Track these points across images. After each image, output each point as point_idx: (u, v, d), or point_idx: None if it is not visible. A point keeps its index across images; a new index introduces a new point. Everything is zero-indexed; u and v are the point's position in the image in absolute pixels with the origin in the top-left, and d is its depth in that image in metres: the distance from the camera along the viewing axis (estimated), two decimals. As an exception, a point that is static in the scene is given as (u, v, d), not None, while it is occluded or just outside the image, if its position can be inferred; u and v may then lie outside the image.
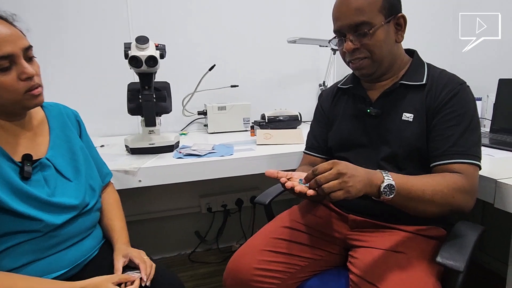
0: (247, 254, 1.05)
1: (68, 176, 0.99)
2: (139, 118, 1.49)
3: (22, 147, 0.93)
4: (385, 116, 1.05)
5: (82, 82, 1.91)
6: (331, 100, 1.21)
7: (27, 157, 0.90)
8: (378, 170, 0.85)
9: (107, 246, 1.06)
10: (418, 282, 0.85)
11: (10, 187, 0.84)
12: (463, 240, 0.89)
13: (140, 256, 0.98)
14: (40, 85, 0.92)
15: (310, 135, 1.27)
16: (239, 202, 2.15)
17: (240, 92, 2.08)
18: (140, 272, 0.94)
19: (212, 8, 2.04)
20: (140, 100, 1.40)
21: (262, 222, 1.24)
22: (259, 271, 1.00)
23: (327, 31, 1.11)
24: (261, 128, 1.87)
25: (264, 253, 1.03)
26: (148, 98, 1.36)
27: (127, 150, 1.52)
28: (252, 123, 2.01)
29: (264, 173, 0.90)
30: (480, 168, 0.94)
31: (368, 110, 1.07)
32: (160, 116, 1.57)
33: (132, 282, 0.91)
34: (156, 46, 1.36)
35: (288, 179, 0.89)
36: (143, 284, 0.92)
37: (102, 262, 1.00)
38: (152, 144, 1.48)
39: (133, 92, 1.47)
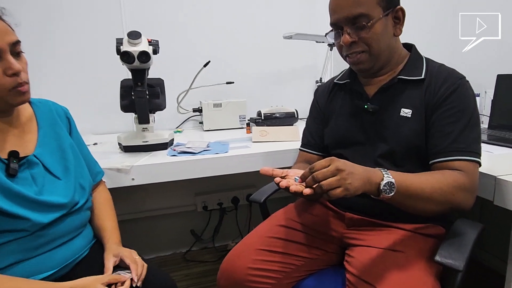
0: (241, 253, 1.02)
1: (57, 174, 0.96)
2: (132, 116, 1.46)
3: (9, 144, 0.90)
4: (383, 112, 1.02)
5: (75, 79, 1.89)
6: (327, 96, 1.19)
7: (13, 154, 0.88)
8: (377, 168, 0.82)
9: (98, 246, 1.03)
10: (416, 281, 0.83)
11: (-5, 184, 0.81)
12: (462, 238, 0.87)
13: (131, 256, 0.95)
14: (27, 82, 0.89)
15: (306, 131, 1.25)
16: (235, 200, 2.13)
17: (235, 89, 2.06)
18: (131, 273, 0.91)
19: (207, 3, 2.01)
20: (133, 97, 1.37)
21: (259, 220, 1.22)
22: (254, 270, 0.98)
23: (324, 26, 1.09)
24: (257, 125, 1.85)
25: (259, 252, 1.01)
26: (140, 94, 1.33)
27: (120, 148, 1.49)
28: (248, 120, 1.98)
29: (260, 172, 0.87)
30: (480, 165, 0.92)
31: (365, 106, 1.05)
32: (154, 113, 1.55)
33: (123, 283, 0.88)
34: (149, 42, 1.34)
35: (283, 177, 0.87)
36: (134, 285, 0.89)
37: (92, 262, 0.97)
38: (146, 141, 1.46)
39: (125, 88, 1.44)
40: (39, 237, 0.87)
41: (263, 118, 1.93)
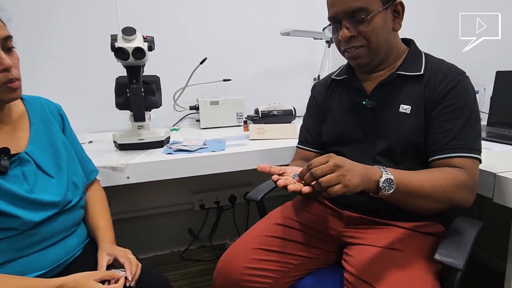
0: (237, 253, 1.01)
1: (49, 172, 0.94)
2: (128, 113, 1.45)
3: (0, 141, 0.88)
4: (381, 109, 1.01)
5: (71, 77, 1.87)
6: (325, 92, 1.17)
7: (4, 151, 0.86)
8: (375, 166, 0.81)
9: (92, 245, 1.01)
10: (416, 281, 0.81)
11: (-16, 182, 0.80)
12: (462, 236, 0.86)
13: (125, 255, 0.94)
14: (18, 79, 0.88)
15: (303, 128, 1.23)
16: (232, 198, 2.12)
17: (233, 86, 2.05)
18: (125, 271, 0.89)
19: (205, 0, 1.99)
20: (128, 94, 1.35)
21: (257, 218, 1.20)
22: (251, 270, 0.96)
23: (321, 23, 1.07)
24: (254, 123, 1.84)
25: (256, 251, 0.99)
26: (136, 92, 1.31)
27: (115, 146, 1.47)
28: (246, 118, 1.97)
29: (257, 169, 0.85)
30: (480, 162, 0.90)
31: (364, 102, 1.03)
32: (149, 110, 1.53)
33: (117, 281, 0.86)
34: (145, 38, 1.32)
35: (281, 174, 0.85)
36: (127, 284, 0.87)
37: (86, 262, 0.95)
38: (141, 139, 1.44)
39: (120, 86, 1.42)
40: (30, 236, 0.86)
41: (260, 115, 1.91)
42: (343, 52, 1.02)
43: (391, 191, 0.77)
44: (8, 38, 0.85)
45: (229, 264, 0.99)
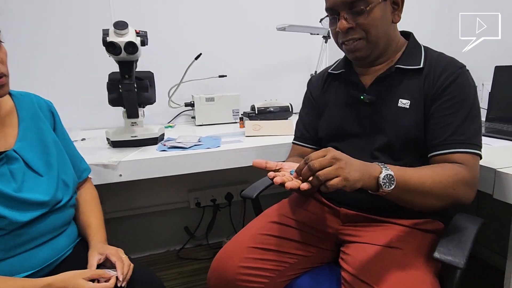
0: (232, 252, 0.98)
1: (39, 171, 0.92)
2: (122, 110, 1.42)
3: None
4: (380, 103, 0.98)
5: (63, 73, 1.84)
6: (321, 87, 1.14)
7: None
8: (374, 162, 0.78)
9: (83, 244, 0.99)
10: (414, 280, 0.79)
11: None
12: (462, 234, 0.84)
13: (117, 254, 0.91)
14: (5, 75, 0.85)
15: (299, 124, 1.20)
16: (228, 196, 2.09)
17: (228, 83, 2.02)
18: (116, 271, 0.87)
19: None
20: (120, 90, 1.32)
21: (253, 216, 1.18)
22: (246, 269, 0.94)
23: (318, 18, 1.05)
24: (250, 120, 1.81)
25: (251, 250, 0.97)
26: (128, 87, 1.28)
27: (108, 143, 1.45)
28: (242, 114, 1.94)
29: (253, 166, 0.82)
30: (481, 158, 0.88)
31: (362, 97, 1.00)
32: (143, 107, 1.50)
33: (108, 280, 0.84)
34: (137, 33, 1.29)
35: (277, 170, 0.82)
36: (118, 285, 0.85)
37: (76, 262, 0.92)
38: (135, 136, 1.41)
39: (113, 81, 1.39)
40: (18, 236, 0.83)
41: (256, 112, 1.89)
42: (340, 45, 1.00)
43: (391, 188, 0.75)
44: None
45: (224, 264, 0.97)
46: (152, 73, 1.55)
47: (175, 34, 1.97)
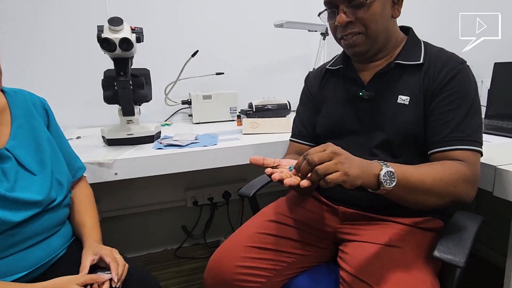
0: (229, 251, 0.97)
1: (32, 169, 0.90)
2: (118, 108, 1.40)
3: None
4: (379, 100, 0.96)
5: (59, 70, 1.81)
6: (319, 82, 1.12)
7: None
8: (373, 160, 0.77)
9: (77, 244, 0.97)
10: (414, 279, 0.78)
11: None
12: (462, 232, 0.82)
13: (111, 255, 0.89)
14: None
15: (296, 121, 1.18)
16: (226, 194, 2.08)
17: (226, 80, 2.00)
18: (111, 273, 0.85)
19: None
20: (116, 87, 1.30)
21: (251, 215, 1.16)
22: (243, 269, 0.92)
23: (316, 16, 1.03)
24: (248, 118, 1.79)
25: (248, 249, 0.96)
26: (123, 84, 1.27)
27: (104, 141, 1.43)
28: (239, 112, 1.93)
29: (251, 164, 0.80)
30: (482, 155, 0.87)
31: (360, 93, 0.98)
32: (139, 105, 1.49)
33: (102, 284, 0.82)
34: (133, 29, 1.27)
35: (275, 166, 0.80)
36: (113, 285, 0.83)
37: (70, 262, 0.91)
38: (131, 134, 1.39)
39: (108, 79, 1.37)
40: (11, 236, 0.82)
41: (254, 110, 1.87)
42: (339, 40, 0.98)
43: (392, 185, 0.73)
44: None
45: (220, 263, 0.95)
46: (148, 70, 1.53)
47: (172, 31, 1.94)
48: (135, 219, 2.01)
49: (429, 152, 0.89)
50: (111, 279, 0.84)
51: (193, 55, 1.74)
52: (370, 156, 0.94)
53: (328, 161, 0.68)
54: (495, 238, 1.70)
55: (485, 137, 1.27)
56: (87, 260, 0.87)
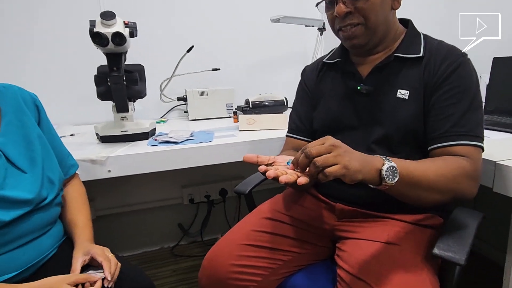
0: (224, 249, 0.95)
1: (22, 167, 0.88)
2: (112, 104, 1.38)
3: None
4: (378, 94, 0.94)
5: (53, 68, 1.79)
6: (316, 76, 1.10)
7: None
8: (375, 155, 0.74)
9: (68, 243, 0.95)
10: (413, 278, 0.76)
11: None
12: (462, 229, 0.81)
13: (103, 254, 0.87)
14: None
15: (293, 116, 1.15)
16: (223, 192, 2.06)
17: (222, 76, 1.98)
18: (103, 272, 0.83)
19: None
20: (109, 83, 1.27)
21: (248, 213, 1.14)
22: (238, 267, 0.91)
23: (313, 11, 1.01)
24: (244, 114, 1.77)
25: (243, 247, 0.94)
26: (116, 80, 1.24)
27: (98, 138, 1.40)
28: (236, 109, 1.90)
29: (243, 159, 0.77)
30: (483, 150, 0.85)
31: (359, 88, 0.96)
32: (133, 101, 1.46)
33: (93, 283, 0.80)
34: (126, 24, 1.24)
35: (270, 164, 0.77)
36: (106, 285, 0.81)
37: (61, 262, 0.89)
38: (125, 131, 1.37)
39: (101, 74, 1.34)
40: (0, 236, 0.79)
41: (251, 106, 1.85)
42: (337, 32, 0.95)
43: (395, 181, 0.71)
44: None
45: (215, 262, 0.93)
46: (143, 66, 1.51)
47: (167, 27, 1.92)
48: (131, 217, 1.99)
49: (429, 148, 0.87)
50: (103, 279, 0.82)
51: (188, 51, 1.71)
52: (368, 152, 0.92)
53: (327, 153, 0.66)
54: (494, 234, 1.68)
55: (484, 132, 1.26)
56: (78, 262, 0.85)
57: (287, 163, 0.75)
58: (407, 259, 0.80)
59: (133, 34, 1.25)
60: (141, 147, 1.29)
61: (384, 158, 0.72)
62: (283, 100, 1.92)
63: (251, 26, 2.05)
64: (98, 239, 0.97)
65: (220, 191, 2.06)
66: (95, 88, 1.35)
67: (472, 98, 0.84)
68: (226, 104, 1.93)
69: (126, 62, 1.35)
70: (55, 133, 1.05)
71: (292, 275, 0.96)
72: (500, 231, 1.10)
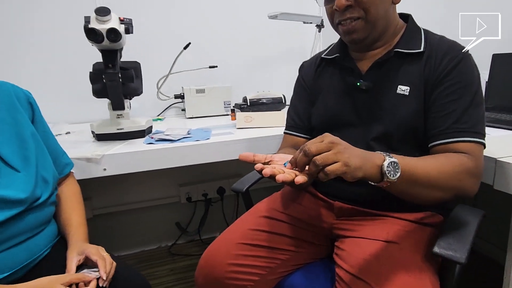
0: (220, 248, 0.93)
1: (15, 166, 0.86)
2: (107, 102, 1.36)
3: None
4: (377, 90, 0.92)
5: (48, 65, 1.77)
6: (314, 72, 1.08)
7: None
8: (376, 151, 0.73)
9: (62, 243, 0.93)
10: (412, 277, 0.75)
11: None
12: (463, 227, 0.79)
13: (98, 253, 0.86)
14: None
15: (291, 112, 1.13)
16: (220, 190, 2.04)
17: (219, 74, 1.96)
18: (98, 271, 0.81)
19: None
20: (104, 80, 1.26)
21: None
22: (235, 267, 0.89)
23: (311, 8, 0.99)
24: (242, 112, 1.75)
25: (240, 246, 0.92)
26: (112, 77, 1.22)
27: (93, 136, 1.39)
28: (233, 106, 1.89)
29: (239, 158, 0.75)
30: (485, 147, 0.83)
31: (358, 84, 0.94)
32: (129, 98, 1.44)
33: (88, 283, 0.79)
34: (121, 20, 1.23)
35: (267, 163, 0.75)
36: (101, 284, 0.80)
37: (55, 263, 0.87)
38: (121, 129, 1.35)
39: (96, 71, 1.33)
40: None
41: (249, 104, 1.84)
42: (336, 26, 0.93)
43: (396, 176, 0.69)
44: None
45: (212, 261, 0.92)
46: (139, 63, 1.49)
47: (164, 24, 1.90)
48: (128, 216, 1.97)
49: (430, 145, 0.85)
50: (98, 278, 0.80)
51: (185, 48, 1.69)
52: (367, 149, 0.91)
53: (327, 151, 0.64)
54: (494, 232, 1.67)
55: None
56: (72, 262, 0.84)
57: (284, 164, 0.73)
58: (407, 258, 0.79)
59: (128, 30, 1.24)
60: (137, 145, 1.28)
61: (384, 154, 0.71)
62: (281, 97, 1.90)
63: (248, 23, 2.04)
64: (95, 238, 0.96)
65: (218, 189, 2.04)
66: (90, 86, 1.33)
67: (473, 94, 0.82)
68: (224, 102, 1.92)
69: (122, 59, 1.33)
70: (50, 131, 1.03)
71: (290, 274, 0.95)
72: (500, 229, 1.08)
